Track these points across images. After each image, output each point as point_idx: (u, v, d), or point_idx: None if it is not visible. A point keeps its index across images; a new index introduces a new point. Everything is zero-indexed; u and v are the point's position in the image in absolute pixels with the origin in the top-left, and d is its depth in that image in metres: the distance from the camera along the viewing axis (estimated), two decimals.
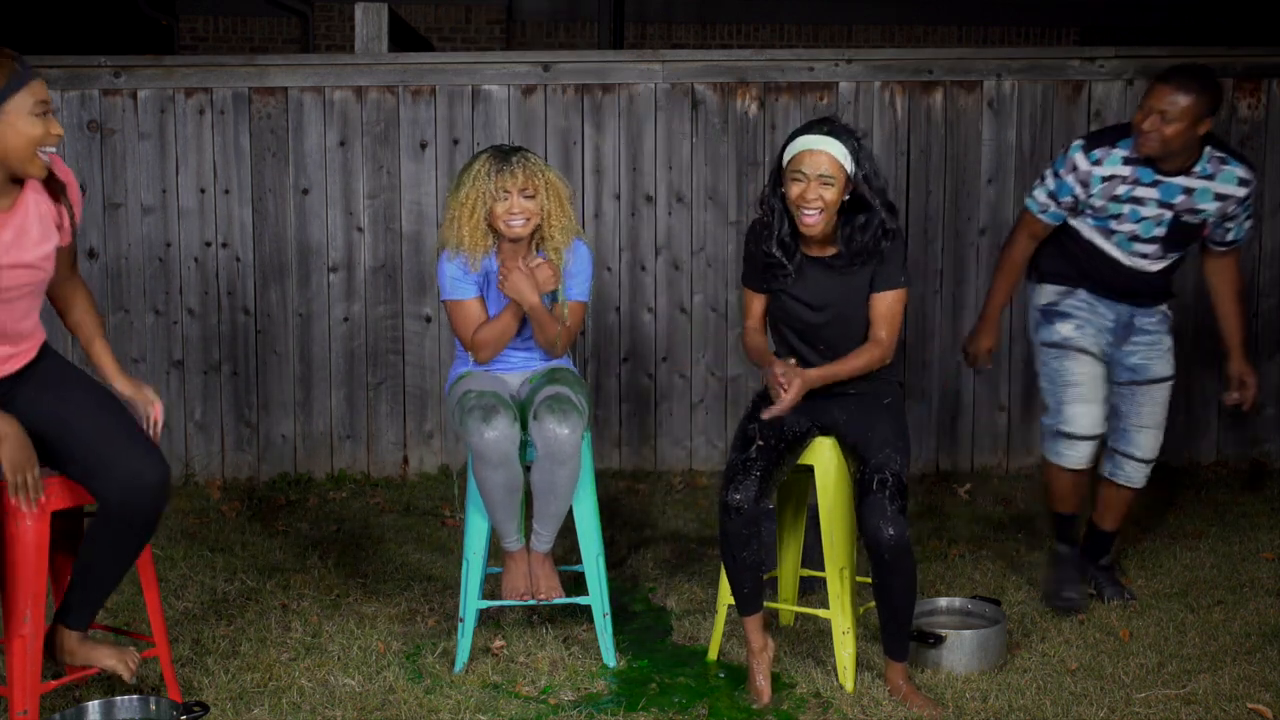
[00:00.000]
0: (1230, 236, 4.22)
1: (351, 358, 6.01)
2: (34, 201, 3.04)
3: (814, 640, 4.01)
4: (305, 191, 5.92)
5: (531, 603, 3.93)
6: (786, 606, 4.00)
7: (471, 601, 3.84)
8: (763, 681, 3.62)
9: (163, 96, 5.87)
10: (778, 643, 3.91)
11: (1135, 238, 4.10)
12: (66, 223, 3.12)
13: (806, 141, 3.54)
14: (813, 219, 3.55)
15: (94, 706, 3.29)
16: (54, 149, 2.97)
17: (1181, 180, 4.03)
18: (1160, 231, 4.09)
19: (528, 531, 3.91)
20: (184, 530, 5.15)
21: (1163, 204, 4.05)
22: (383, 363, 6.01)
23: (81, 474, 3.09)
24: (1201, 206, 4.07)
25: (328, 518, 5.43)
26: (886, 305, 3.64)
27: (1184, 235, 4.14)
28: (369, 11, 6.03)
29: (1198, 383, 6.11)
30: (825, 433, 3.73)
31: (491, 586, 4.31)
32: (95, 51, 6.35)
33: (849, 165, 3.53)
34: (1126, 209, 4.06)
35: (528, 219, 3.82)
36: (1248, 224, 4.20)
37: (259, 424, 6.00)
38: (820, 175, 3.51)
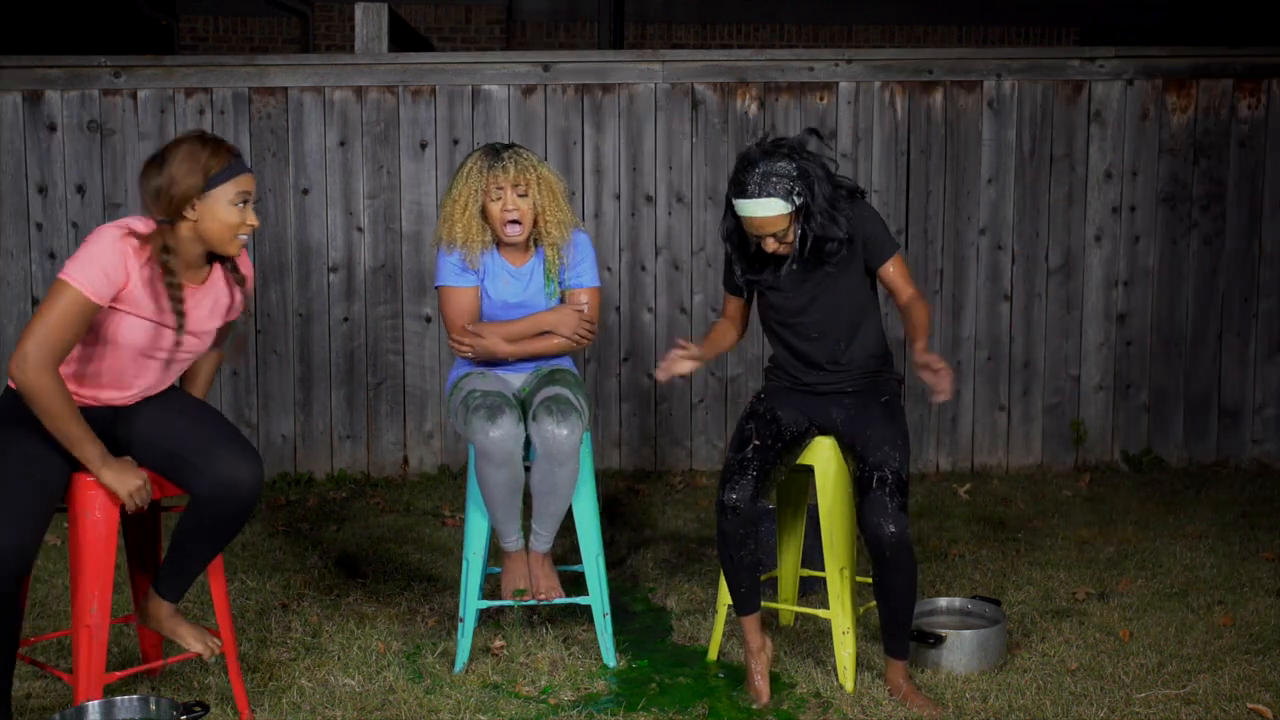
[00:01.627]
0: None
1: (351, 358, 6.01)
2: (219, 281, 3.37)
3: (814, 640, 4.01)
4: (305, 191, 5.92)
5: (531, 603, 3.93)
6: (786, 606, 4.00)
7: (471, 601, 3.84)
8: (761, 681, 3.62)
9: (163, 96, 5.87)
10: (777, 643, 3.91)
11: None
12: (238, 306, 3.45)
13: (746, 208, 3.51)
14: (782, 251, 3.61)
15: (94, 706, 3.29)
16: (246, 236, 3.29)
17: None
18: None
19: (526, 531, 3.91)
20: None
21: None
22: (383, 363, 6.01)
23: (180, 472, 3.27)
24: None
25: (328, 518, 5.43)
26: (896, 270, 3.65)
27: None
28: (369, 11, 6.03)
29: (1197, 383, 6.11)
30: (824, 432, 3.73)
31: (491, 586, 4.31)
32: (95, 51, 6.36)
33: (794, 204, 3.50)
34: None
35: (521, 218, 3.82)
36: None
37: (259, 424, 6.00)
38: (773, 234, 3.54)
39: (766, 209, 3.49)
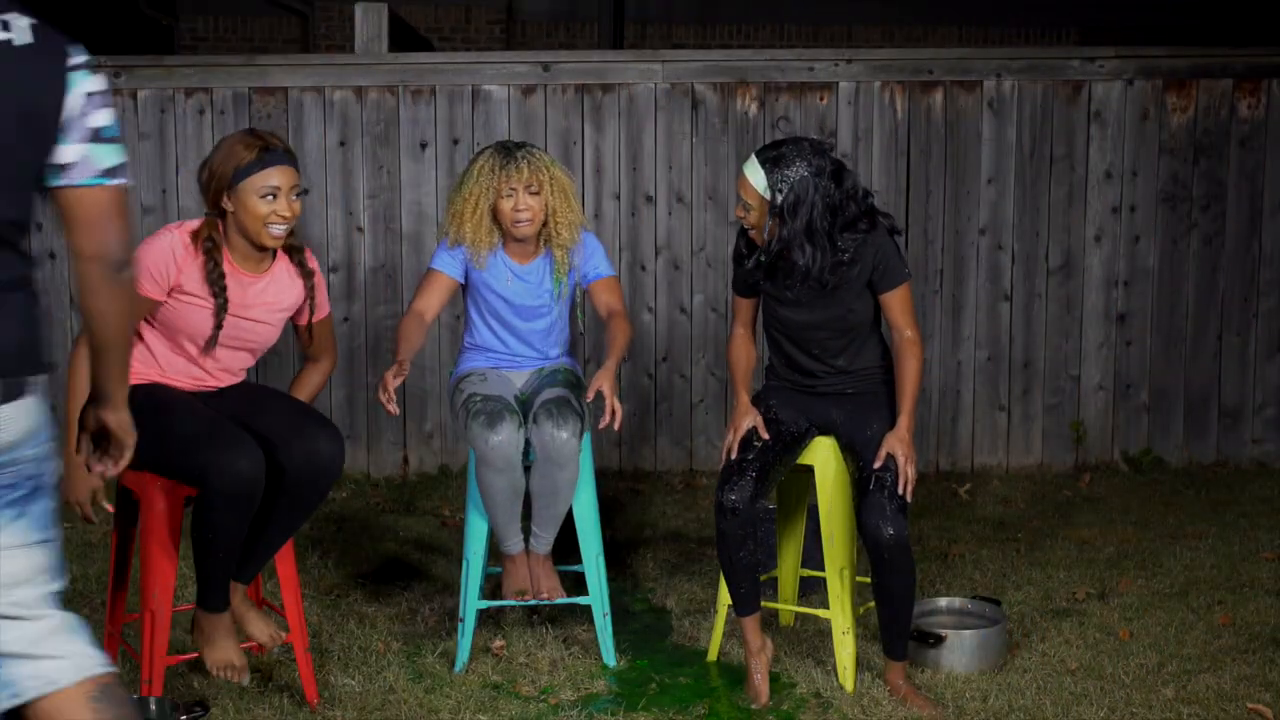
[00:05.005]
0: None
1: (351, 358, 6.00)
2: (283, 273, 3.54)
3: (814, 640, 4.01)
4: (305, 191, 5.92)
5: (532, 603, 3.93)
6: (786, 606, 4.00)
7: (471, 601, 3.84)
8: (761, 682, 3.62)
9: (163, 96, 5.87)
10: (777, 643, 3.91)
11: None
12: (304, 303, 3.60)
13: (747, 162, 3.57)
14: (748, 228, 3.63)
15: None
16: (283, 227, 3.42)
17: None
18: None
19: (526, 533, 3.91)
20: (185, 529, 5.14)
21: None
22: (383, 363, 6.00)
23: (268, 448, 3.37)
24: None
25: (328, 518, 5.43)
26: (899, 302, 3.62)
27: None
28: (369, 12, 6.03)
29: (1197, 383, 6.11)
30: (824, 432, 3.73)
31: (491, 586, 4.31)
32: (95, 51, 6.32)
33: (769, 196, 3.50)
34: None
35: (533, 217, 3.81)
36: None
37: None
38: (741, 201, 3.56)
39: (752, 174, 3.53)
